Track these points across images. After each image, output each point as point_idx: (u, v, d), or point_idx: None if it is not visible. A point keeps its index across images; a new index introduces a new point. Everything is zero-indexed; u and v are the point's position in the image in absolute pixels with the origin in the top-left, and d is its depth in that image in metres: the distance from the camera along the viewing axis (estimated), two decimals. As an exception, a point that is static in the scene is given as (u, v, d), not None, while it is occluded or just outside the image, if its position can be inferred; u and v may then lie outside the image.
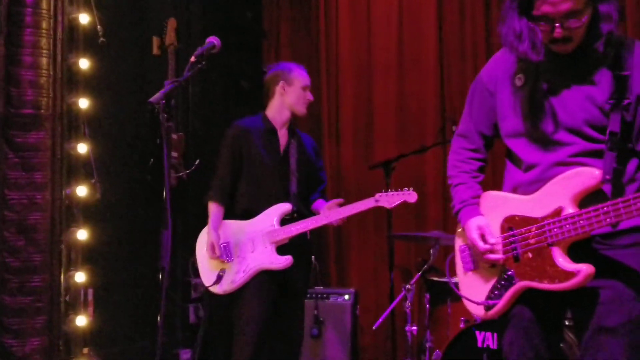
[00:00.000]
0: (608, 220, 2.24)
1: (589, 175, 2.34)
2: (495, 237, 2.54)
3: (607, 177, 2.31)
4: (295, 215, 3.95)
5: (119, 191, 4.68)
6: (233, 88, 6.23)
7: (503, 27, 2.46)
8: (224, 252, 3.91)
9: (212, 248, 3.89)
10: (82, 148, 4.21)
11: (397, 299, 4.72)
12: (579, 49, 2.40)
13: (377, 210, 4.25)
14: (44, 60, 4.09)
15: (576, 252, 2.37)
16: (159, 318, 3.08)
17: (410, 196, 3.74)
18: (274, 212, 3.90)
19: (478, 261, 2.61)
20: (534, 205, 2.46)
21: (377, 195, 3.82)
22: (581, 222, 2.30)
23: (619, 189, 2.34)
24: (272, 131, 4.08)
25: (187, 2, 5.72)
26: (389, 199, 3.79)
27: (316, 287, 5.32)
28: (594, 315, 2.36)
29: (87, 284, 4.21)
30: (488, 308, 2.53)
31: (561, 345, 3.43)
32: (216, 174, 4.09)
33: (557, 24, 2.32)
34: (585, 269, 2.30)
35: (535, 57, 2.40)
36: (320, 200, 4.14)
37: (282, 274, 3.89)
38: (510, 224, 2.51)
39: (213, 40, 3.16)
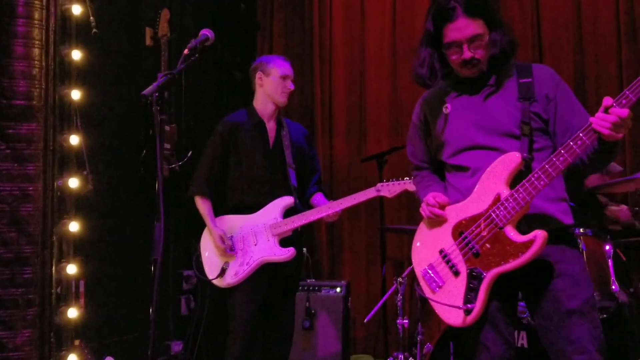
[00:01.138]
0: (542, 183, 2.58)
1: (510, 158, 2.68)
2: (450, 245, 2.79)
3: (525, 155, 2.69)
4: (296, 208, 4.00)
5: (111, 183, 4.66)
6: (226, 80, 6.22)
7: (413, 58, 2.93)
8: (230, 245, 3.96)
9: (220, 240, 3.92)
10: (74, 139, 4.19)
11: (389, 292, 4.73)
12: (488, 71, 2.82)
13: (370, 202, 4.26)
14: (36, 51, 4.06)
15: None
16: (151, 310, 3.07)
17: (412, 185, 3.73)
18: (277, 205, 3.94)
19: (442, 277, 2.80)
20: (474, 203, 2.75)
21: (379, 185, 3.88)
22: (520, 195, 2.61)
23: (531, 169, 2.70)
24: (260, 124, 4.09)
25: (181, -7, 5.70)
26: (390, 189, 3.85)
27: (308, 280, 5.33)
28: (556, 301, 2.66)
29: (79, 276, 4.20)
30: (467, 312, 2.68)
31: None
32: (199, 168, 4.12)
33: (465, 47, 2.73)
34: (540, 233, 2.57)
35: (430, 82, 2.89)
36: (319, 194, 4.19)
37: (274, 265, 3.92)
38: (460, 229, 2.78)
39: (206, 32, 3.15)
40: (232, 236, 3.99)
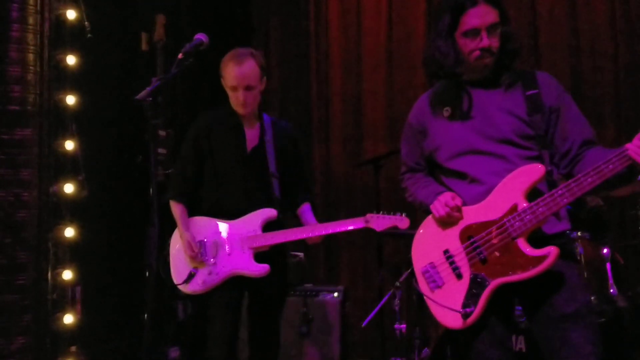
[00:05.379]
0: (565, 200, 2.56)
1: (534, 169, 2.65)
2: (456, 247, 2.75)
3: (549, 168, 2.68)
4: (278, 220, 3.68)
5: (106, 188, 4.65)
6: (221, 84, 6.20)
7: (429, 50, 2.87)
8: (200, 251, 3.64)
9: (189, 246, 3.61)
10: (69, 145, 4.19)
11: (386, 297, 4.72)
12: (493, 75, 2.80)
13: (367, 207, 4.20)
14: (31, 56, 4.06)
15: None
16: (145, 316, 3.05)
17: (402, 222, 3.49)
18: (257, 217, 3.63)
19: (443, 277, 2.77)
20: (487, 209, 2.70)
21: (368, 215, 3.57)
22: (540, 209, 2.59)
23: (554, 183, 2.70)
24: (237, 127, 3.73)
25: (176, -3, 5.70)
26: (380, 222, 3.54)
27: (305, 284, 5.31)
28: (552, 305, 2.64)
29: (74, 281, 4.19)
30: (466, 316, 2.65)
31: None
32: (175, 171, 3.87)
33: (483, 34, 2.72)
34: (554, 249, 2.55)
35: (458, 70, 2.80)
36: (307, 206, 3.87)
37: (255, 283, 3.63)
38: (469, 232, 2.73)
39: (201, 37, 3.12)
40: (204, 240, 3.66)
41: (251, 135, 3.73)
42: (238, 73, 3.58)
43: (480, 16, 2.71)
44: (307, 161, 6.40)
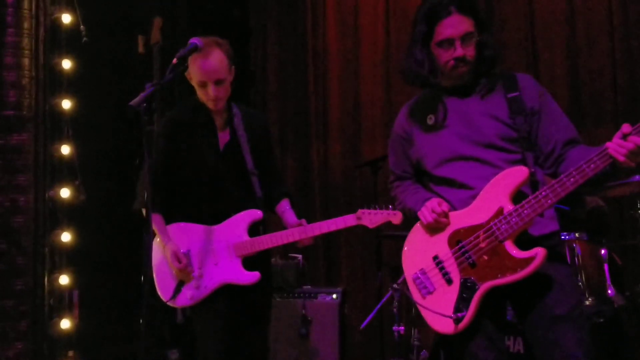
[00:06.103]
0: (549, 202, 2.57)
1: (518, 171, 2.67)
2: (445, 252, 2.76)
3: (532, 170, 2.70)
4: (263, 221, 3.43)
5: (103, 192, 4.64)
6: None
7: (406, 60, 2.91)
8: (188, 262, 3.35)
9: (175, 258, 3.30)
10: (66, 149, 4.18)
11: (384, 298, 4.72)
12: (473, 80, 2.83)
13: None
14: (26, 61, 4.05)
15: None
16: (140, 320, 3.02)
17: (395, 217, 3.32)
18: (242, 220, 3.36)
19: (434, 283, 2.79)
20: (473, 214, 2.72)
21: (360, 212, 3.38)
22: (525, 211, 2.60)
23: (538, 184, 2.71)
24: (208, 122, 3.42)
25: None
26: (372, 218, 3.36)
27: (304, 286, 5.30)
28: (543, 307, 2.66)
29: (72, 286, 4.18)
30: (457, 321, 2.67)
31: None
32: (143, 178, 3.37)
33: (457, 43, 2.75)
34: (541, 250, 2.57)
35: (433, 80, 2.84)
36: (285, 202, 3.59)
37: (239, 293, 3.36)
38: (457, 237, 2.74)
39: (195, 41, 3.09)
40: (189, 250, 3.37)
41: (222, 131, 3.44)
42: (206, 67, 3.27)
43: (453, 26, 2.75)
44: (305, 161, 6.41)
